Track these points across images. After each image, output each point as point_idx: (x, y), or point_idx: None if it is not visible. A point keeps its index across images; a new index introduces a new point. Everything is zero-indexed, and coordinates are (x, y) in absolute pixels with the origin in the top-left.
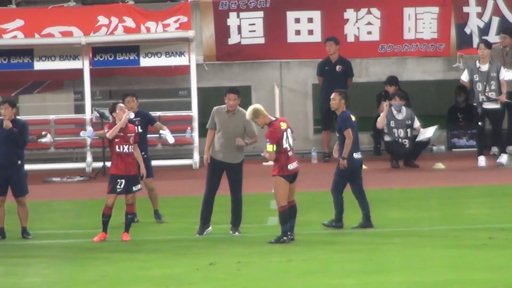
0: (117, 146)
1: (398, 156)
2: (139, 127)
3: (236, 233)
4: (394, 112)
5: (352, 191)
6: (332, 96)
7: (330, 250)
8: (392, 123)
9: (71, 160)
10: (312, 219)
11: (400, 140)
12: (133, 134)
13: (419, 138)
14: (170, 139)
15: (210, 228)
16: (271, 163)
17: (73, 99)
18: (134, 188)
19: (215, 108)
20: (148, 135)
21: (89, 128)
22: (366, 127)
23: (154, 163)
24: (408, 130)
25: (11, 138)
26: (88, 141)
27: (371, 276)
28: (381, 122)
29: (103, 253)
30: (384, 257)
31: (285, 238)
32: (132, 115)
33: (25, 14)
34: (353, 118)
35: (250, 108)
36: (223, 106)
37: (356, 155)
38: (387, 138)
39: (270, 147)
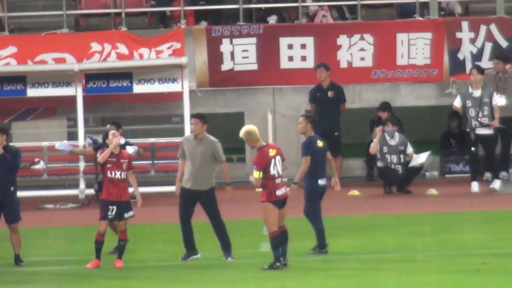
0: (109, 172)
1: (391, 182)
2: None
3: (229, 258)
4: (387, 137)
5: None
6: (299, 121)
7: (324, 276)
8: (385, 149)
9: (64, 186)
10: (306, 245)
11: (393, 166)
12: (126, 160)
13: (412, 164)
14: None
15: (198, 255)
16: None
17: (66, 126)
18: (126, 215)
19: (183, 136)
20: (140, 162)
21: (65, 142)
22: (359, 153)
23: (147, 189)
24: (401, 155)
25: (3, 164)
26: (82, 167)
27: None
28: (374, 147)
29: (96, 280)
30: (378, 282)
31: (278, 264)
32: (122, 141)
33: (18, 41)
34: (320, 143)
35: (244, 128)
36: (190, 134)
37: (321, 182)
38: (380, 164)
39: (257, 174)
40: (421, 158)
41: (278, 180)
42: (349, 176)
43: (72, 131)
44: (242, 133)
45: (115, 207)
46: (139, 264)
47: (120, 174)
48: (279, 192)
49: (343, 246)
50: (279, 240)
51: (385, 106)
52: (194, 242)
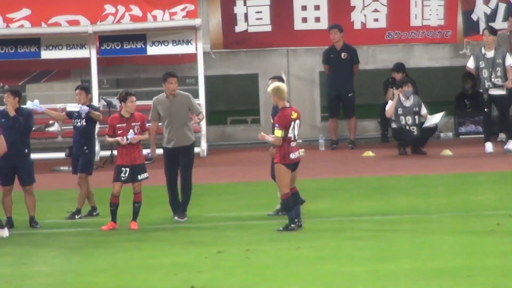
0: (120, 138)
1: (406, 143)
2: (84, 120)
3: (180, 219)
4: (402, 99)
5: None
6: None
7: (339, 238)
8: (400, 110)
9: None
10: (321, 206)
11: (407, 127)
12: (138, 123)
13: (426, 124)
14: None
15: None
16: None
17: None
18: (139, 177)
19: (154, 98)
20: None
21: (36, 100)
22: (373, 114)
23: (161, 151)
24: (416, 117)
25: (16, 127)
26: (96, 129)
27: (380, 263)
28: (390, 110)
29: (112, 242)
30: (393, 244)
31: (293, 225)
32: (131, 135)
33: (32, 3)
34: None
35: (274, 84)
36: (161, 94)
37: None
38: (394, 125)
39: (279, 132)
40: (435, 119)
41: (293, 144)
42: (363, 137)
43: None
44: (271, 88)
45: (128, 169)
46: (154, 226)
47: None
48: (293, 156)
49: (357, 207)
50: (292, 202)
51: (399, 67)
52: (179, 203)
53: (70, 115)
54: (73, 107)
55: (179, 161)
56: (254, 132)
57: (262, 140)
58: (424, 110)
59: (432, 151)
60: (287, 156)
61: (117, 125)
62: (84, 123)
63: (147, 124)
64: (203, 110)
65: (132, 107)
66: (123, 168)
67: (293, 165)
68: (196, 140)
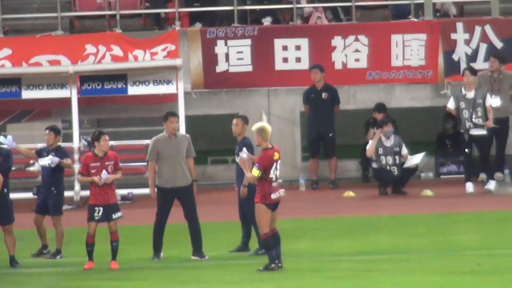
0: (97, 178)
1: (386, 183)
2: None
3: (196, 257)
4: (383, 139)
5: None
6: (234, 122)
7: (319, 277)
8: (380, 150)
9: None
10: (301, 246)
11: (388, 167)
12: (112, 162)
13: (406, 165)
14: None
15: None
16: None
17: (61, 128)
18: (114, 216)
19: (153, 138)
20: (135, 164)
21: (9, 136)
22: (354, 154)
23: (143, 191)
24: (396, 157)
25: None
26: (77, 169)
27: None
28: (371, 150)
29: (92, 281)
30: (374, 284)
31: (273, 265)
32: (104, 176)
33: (13, 43)
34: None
35: (260, 124)
36: (161, 134)
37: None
38: (375, 165)
39: (256, 172)
40: (415, 159)
41: (274, 184)
42: (344, 177)
43: (67, 132)
44: (256, 127)
45: (101, 208)
46: (134, 265)
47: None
48: (273, 196)
49: (338, 247)
50: (272, 242)
51: (381, 107)
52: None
53: (40, 154)
54: (44, 160)
55: (172, 204)
56: (234, 172)
57: (241, 164)
58: (404, 150)
59: (412, 191)
60: (268, 196)
61: (91, 164)
62: (52, 165)
63: (121, 164)
64: None
65: (105, 146)
66: (96, 208)
67: (274, 205)
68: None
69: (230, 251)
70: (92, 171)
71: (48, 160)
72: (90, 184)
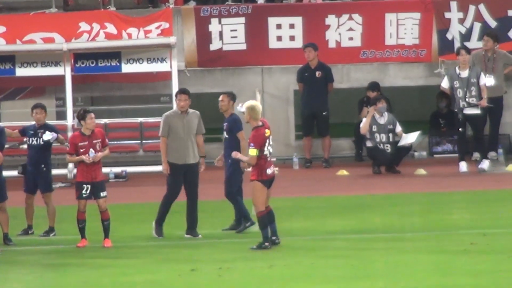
0: (85, 156)
1: (380, 162)
2: (41, 139)
3: (190, 235)
4: (377, 116)
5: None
6: (220, 98)
7: (313, 256)
8: (374, 128)
9: (53, 166)
10: (295, 225)
11: (382, 145)
12: (99, 140)
13: (401, 143)
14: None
15: (199, 235)
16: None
17: (55, 105)
18: (102, 194)
19: (164, 114)
20: (128, 141)
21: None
22: (347, 132)
23: (136, 169)
24: (390, 135)
25: None
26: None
27: (354, 282)
28: (365, 127)
29: (85, 259)
30: (367, 262)
31: (266, 243)
32: (92, 154)
33: (7, 21)
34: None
35: (249, 103)
36: (173, 110)
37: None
38: (369, 143)
39: (254, 151)
40: (410, 138)
41: (269, 159)
42: (337, 156)
43: (61, 110)
44: (246, 106)
45: (89, 186)
46: (127, 243)
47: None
48: (269, 171)
49: (331, 226)
50: (267, 219)
51: (374, 86)
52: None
53: (24, 132)
54: (48, 135)
55: (182, 180)
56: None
57: (235, 158)
58: (398, 128)
59: (406, 170)
60: (264, 172)
61: (79, 144)
62: (42, 142)
63: (115, 142)
64: None
65: (91, 124)
66: (84, 185)
67: (269, 182)
68: None
69: (223, 229)
70: (81, 150)
71: (50, 135)
72: (77, 162)
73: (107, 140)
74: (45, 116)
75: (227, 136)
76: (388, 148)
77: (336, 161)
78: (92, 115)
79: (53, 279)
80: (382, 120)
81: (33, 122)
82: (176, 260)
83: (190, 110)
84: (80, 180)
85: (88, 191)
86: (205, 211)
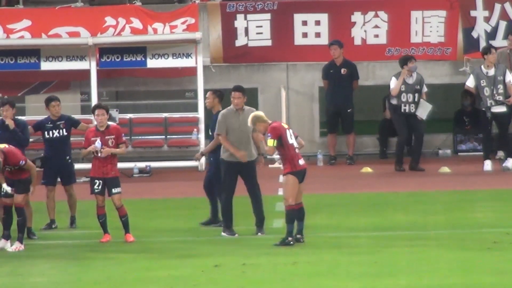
0: (92, 146)
1: (400, 121)
2: (64, 130)
3: (259, 234)
4: (406, 76)
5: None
6: (207, 95)
7: (336, 253)
8: (402, 87)
9: (77, 160)
10: (318, 221)
11: (407, 105)
12: (112, 136)
13: (417, 112)
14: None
15: (236, 235)
16: (277, 165)
17: (79, 100)
18: (114, 190)
19: (221, 112)
20: (153, 137)
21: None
22: (372, 130)
23: (160, 164)
24: (416, 94)
25: (15, 139)
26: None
27: (377, 279)
28: (396, 88)
29: (108, 254)
30: (390, 260)
31: (290, 239)
32: (98, 145)
33: (33, 14)
34: None
35: (252, 115)
36: (229, 107)
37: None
38: (394, 101)
39: (271, 142)
40: (423, 109)
41: (297, 150)
42: (362, 153)
43: (86, 105)
44: (250, 120)
45: (101, 182)
46: (151, 239)
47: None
48: (301, 162)
49: (355, 223)
50: (296, 215)
51: (407, 58)
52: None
53: (39, 127)
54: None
55: (237, 178)
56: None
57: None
58: (425, 89)
59: (430, 168)
60: (297, 163)
61: (92, 138)
62: (65, 133)
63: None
64: (202, 124)
65: (98, 120)
66: (96, 180)
67: (302, 174)
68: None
69: (200, 223)
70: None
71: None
72: (93, 156)
73: (123, 138)
74: (60, 108)
75: (210, 133)
76: (413, 108)
77: (360, 158)
78: (101, 111)
79: (77, 274)
80: (410, 80)
81: (44, 116)
82: (199, 256)
83: (246, 107)
84: (92, 175)
85: (100, 186)
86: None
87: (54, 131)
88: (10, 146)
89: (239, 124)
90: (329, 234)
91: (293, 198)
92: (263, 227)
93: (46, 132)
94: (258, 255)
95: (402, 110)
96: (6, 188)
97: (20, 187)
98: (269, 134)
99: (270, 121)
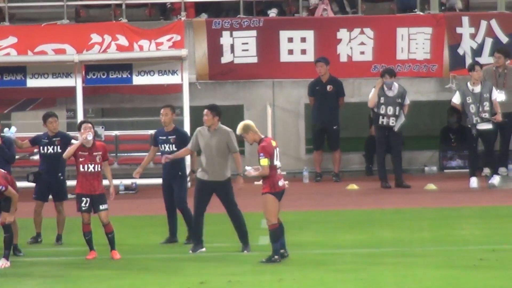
0: (81, 166)
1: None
2: (58, 147)
3: (245, 251)
4: (385, 89)
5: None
6: (163, 112)
7: (322, 270)
8: (382, 100)
9: (71, 177)
10: (304, 238)
11: (386, 118)
12: (100, 153)
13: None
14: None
15: (204, 248)
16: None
17: (65, 117)
18: (101, 207)
19: (197, 129)
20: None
21: (13, 128)
22: (358, 147)
23: (146, 181)
24: (397, 107)
25: (1, 155)
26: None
27: None
28: (373, 100)
29: (94, 271)
30: (376, 277)
31: (276, 257)
32: (90, 137)
33: (19, 31)
34: None
35: (241, 124)
36: (204, 126)
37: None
38: (372, 113)
39: (265, 161)
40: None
41: (279, 171)
42: (348, 170)
43: (72, 122)
44: (239, 129)
45: (88, 199)
46: (137, 256)
47: (94, 168)
48: (280, 183)
49: (341, 240)
50: (280, 233)
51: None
52: (202, 235)
53: (36, 142)
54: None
55: (209, 196)
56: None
57: (249, 176)
58: (407, 101)
59: (416, 185)
60: (276, 184)
61: (79, 152)
62: (59, 150)
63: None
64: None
65: (84, 133)
66: (83, 198)
67: (280, 195)
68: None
69: (160, 242)
70: (80, 159)
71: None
72: (77, 173)
73: (108, 155)
74: (58, 124)
75: (175, 148)
76: (393, 121)
77: (346, 175)
78: (87, 125)
79: None
80: (391, 93)
81: (43, 132)
82: (185, 273)
83: (222, 128)
84: (79, 192)
85: (87, 204)
86: (213, 224)
87: (48, 147)
88: None
89: (211, 143)
90: (315, 251)
91: (275, 217)
92: (248, 244)
93: (41, 148)
94: (244, 272)
95: (380, 122)
96: None
97: (6, 205)
98: (261, 154)
99: (262, 135)
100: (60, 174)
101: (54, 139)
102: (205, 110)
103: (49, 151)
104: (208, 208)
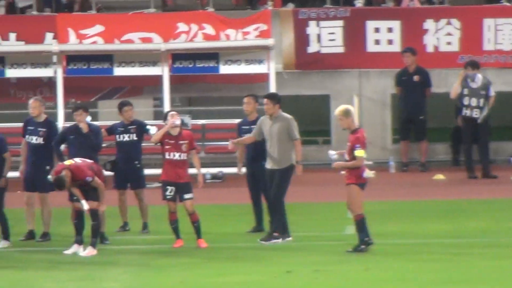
0: (167, 153)
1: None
2: (134, 134)
3: (262, 242)
4: (469, 80)
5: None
6: (246, 100)
7: (407, 260)
8: (465, 91)
9: (149, 166)
10: (390, 228)
11: (469, 110)
12: (186, 141)
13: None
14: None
15: (290, 237)
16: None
17: (152, 105)
18: (186, 196)
19: (261, 117)
20: (225, 142)
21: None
22: (444, 137)
23: (232, 170)
24: (481, 100)
25: (88, 144)
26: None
27: (449, 286)
28: (454, 91)
29: (181, 259)
30: (462, 267)
31: (363, 246)
32: (178, 122)
33: (105, 20)
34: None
35: (343, 106)
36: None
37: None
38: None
39: (361, 152)
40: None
41: (364, 162)
42: (434, 160)
43: (158, 110)
44: (342, 110)
45: (173, 188)
46: (223, 244)
47: (179, 156)
48: (365, 174)
49: (427, 230)
50: (365, 222)
51: (474, 63)
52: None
53: (112, 131)
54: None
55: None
56: (325, 153)
57: (338, 167)
58: (491, 93)
59: (503, 175)
60: (362, 176)
61: (165, 140)
62: (135, 138)
63: (212, 143)
64: None
65: (171, 120)
66: (168, 186)
67: (364, 186)
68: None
69: (247, 231)
70: (166, 147)
71: (154, 129)
72: (163, 160)
73: (195, 143)
74: (133, 112)
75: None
76: (476, 113)
77: (433, 165)
78: (173, 113)
79: (149, 279)
80: (474, 85)
81: (119, 120)
82: (271, 262)
83: (282, 115)
84: (164, 179)
85: (172, 193)
86: (299, 214)
87: (124, 135)
88: (77, 162)
89: (272, 131)
90: (401, 241)
91: (360, 207)
92: (278, 233)
93: (117, 136)
94: (330, 262)
95: (463, 113)
96: (84, 205)
97: (94, 194)
98: (357, 145)
99: (356, 125)
100: (136, 162)
101: (129, 127)
102: (265, 99)
103: (124, 139)
104: (292, 198)
